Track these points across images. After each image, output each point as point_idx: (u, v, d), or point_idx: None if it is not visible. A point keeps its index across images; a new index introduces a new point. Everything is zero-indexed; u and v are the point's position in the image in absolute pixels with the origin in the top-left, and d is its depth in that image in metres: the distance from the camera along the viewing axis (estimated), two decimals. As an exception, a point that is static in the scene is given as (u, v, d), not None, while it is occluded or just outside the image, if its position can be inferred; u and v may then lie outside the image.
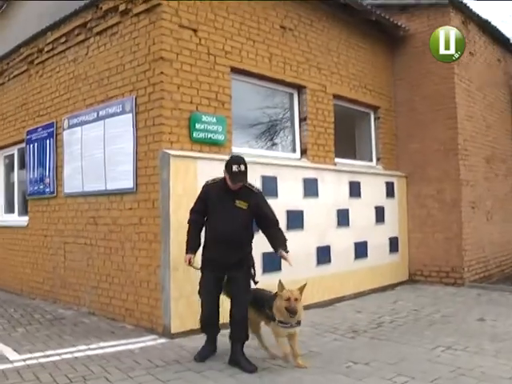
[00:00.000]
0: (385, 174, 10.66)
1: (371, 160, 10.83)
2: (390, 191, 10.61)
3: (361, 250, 9.67)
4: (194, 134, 7.09)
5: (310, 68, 9.12)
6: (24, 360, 5.72)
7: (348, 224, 9.42)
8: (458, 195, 10.29)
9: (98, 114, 7.98)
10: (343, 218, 9.32)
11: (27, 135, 10.03)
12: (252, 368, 5.34)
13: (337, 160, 9.60)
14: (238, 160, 5.49)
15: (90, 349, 6.15)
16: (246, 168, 5.43)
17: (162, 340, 6.54)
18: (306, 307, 8.01)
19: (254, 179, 7.43)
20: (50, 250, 9.28)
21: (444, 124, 10.43)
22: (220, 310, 5.75)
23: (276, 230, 5.69)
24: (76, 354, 5.94)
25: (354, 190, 9.66)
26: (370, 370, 5.35)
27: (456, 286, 10.10)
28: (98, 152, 7.93)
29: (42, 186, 9.55)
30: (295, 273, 7.77)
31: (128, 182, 7.36)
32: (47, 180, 9.37)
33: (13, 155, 11.23)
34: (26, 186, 10.16)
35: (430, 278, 10.60)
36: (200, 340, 5.97)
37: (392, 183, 10.70)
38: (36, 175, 9.75)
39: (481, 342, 6.24)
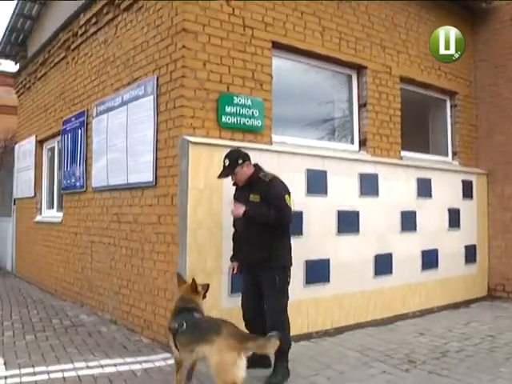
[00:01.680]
0: (462, 170, 9.16)
1: (446, 155, 9.36)
2: (467, 191, 9.12)
3: (430, 259, 8.26)
4: (223, 119, 6.03)
5: (372, 45, 7.81)
6: (5, 377, 5.00)
7: (415, 229, 8.06)
8: (547, 197, 8.71)
9: (122, 99, 7.13)
10: (409, 221, 7.96)
11: (63, 125, 9.35)
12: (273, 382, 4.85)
13: (404, 154, 8.25)
14: (226, 153, 5.22)
15: (87, 367, 5.37)
16: (230, 162, 5.11)
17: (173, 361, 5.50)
18: (360, 325, 6.96)
19: (298, 173, 6.51)
20: (80, 249, 8.55)
21: (534, 112, 8.87)
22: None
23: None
24: (67, 374, 5.16)
25: (424, 188, 8.26)
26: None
27: (545, 306, 8.52)
28: (121, 141, 7.06)
29: (73, 180, 8.78)
30: (347, 285, 6.64)
31: (148, 175, 6.40)
32: (78, 173, 8.59)
33: (54, 148, 10.55)
34: (61, 180, 9.44)
35: (514, 294, 9.06)
36: None
37: (470, 182, 9.20)
38: (69, 168, 9.00)
39: None
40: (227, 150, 5.77)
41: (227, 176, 5.21)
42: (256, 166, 5.24)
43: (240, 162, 5.10)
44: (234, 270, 5.37)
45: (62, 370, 5.19)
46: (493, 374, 5.15)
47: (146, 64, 6.58)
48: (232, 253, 5.41)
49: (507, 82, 9.17)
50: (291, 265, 5.18)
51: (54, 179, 10.47)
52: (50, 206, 10.69)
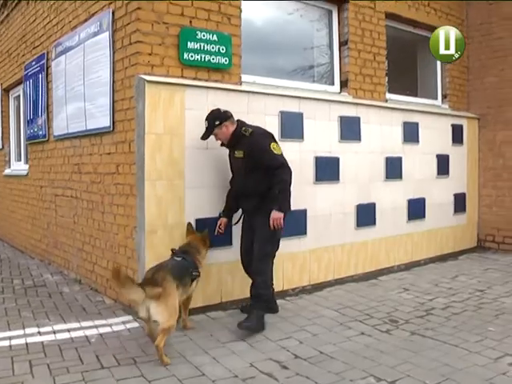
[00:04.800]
0: (451, 114, 8.56)
1: (435, 98, 8.75)
2: (457, 136, 8.54)
3: (416, 209, 7.75)
4: (185, 56, 5.39)
5: (354, -23, 7.10)
6: None
7: (400, 176, 7.52)
8: (542, 142, 8.17)
9: (79, 38, 6.45)
10: (394, 168, 7.41)
11: (25, 71, 8.66)
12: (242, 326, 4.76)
13: (389, 96, 7.66)
14: (207, 114, 5.14)
15: (38, 333, 4.85)
16: (208, 124, 5.06)
17: (135, 324, 5.08)
18: (341, 281, 6.51)
19: (271, 116, 5.94)
20: (45, 204, 8.01)
21: (530, 51, 8.25)
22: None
23: (273, 182, 4.92)
24: (15, 342, 4.62)
25: (410, 133, 7.68)
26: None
27: (536, 258, 8.09)
28: (79, 84, 6.42)
29: (36, 129, 8.17)
30: (326, 238, 6.14)
31: (105, 120, 5.81)
32: (40, 121, 7.97)
33: (19, 96, 9.85)
34: (25, 130, 8.81)
35: (504, 245, 8.60)
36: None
37: (460, 126, 8.62)
38: (32, 116, 8.36)
39: None
40: (190, 91, 5.37)
41: (207, 138, 5.12)
42: (238, 121, 5.13)
43: (217, 123, 5.02)
44: (220, 225, 5.33)
45: (10, 338, 4.69)
46: (480, 335, 4.69)
47: (102, -4, 5.91)
48: (223, 209, 5.37)
49: (501, 20, 8.52)
50: (290, 211, 5.10)
51: (21, 130, 9.79)
52: (19, 158, 10.08)
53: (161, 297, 4.15)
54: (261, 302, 4.98)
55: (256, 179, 4.96)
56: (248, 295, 5.09)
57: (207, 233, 5.12)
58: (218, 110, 5.11)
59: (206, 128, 5.05)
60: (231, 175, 5.34)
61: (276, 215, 4.84)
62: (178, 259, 4.67)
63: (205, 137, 5.08)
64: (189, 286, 4.66)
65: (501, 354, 4.25)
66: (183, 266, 4.61)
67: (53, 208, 7.62)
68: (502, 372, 3.90)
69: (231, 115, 5.09)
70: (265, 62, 6.62)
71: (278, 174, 4.86)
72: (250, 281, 5.11)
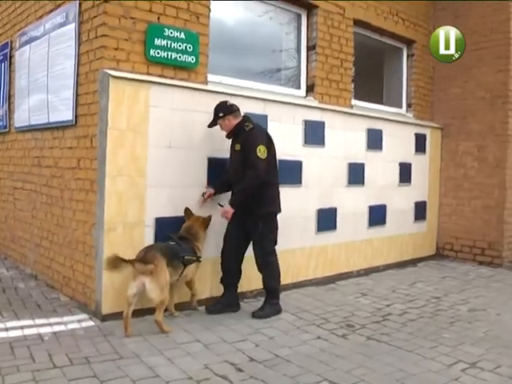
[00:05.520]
0: (415, 123, 8.67)
1: (400, 106, 8.86)
2: (420, 145, 8.66)
3: (377, 215, 7.82)
4: (152, 52, 5.32)
5: (325, -17, 7.13)
6: None
7: (362, 182, 7.58)
8: (503, 154, 8.33)
9: (44, 28, 6.32)
10: (357, 174, 7.47)
11: (-13, 60, 8.40)
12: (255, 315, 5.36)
13: (354, 102, 7.71)
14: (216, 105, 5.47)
15: None
16: (214, 114, 5.39)
17: (90, 323, 4.97)
18: (299, 285, 6.52)
19: None
20: (3, 196, 7.80)
21: (492, 65, 8.40)
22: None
23: (241, 180, 5.24)
24: None
25: (374, 140, 7.75)
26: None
27: (492, 267, 8.23)
28: (42, 76, 6.28)
29: (-4, 120, 7.95)
30: (285, 241, 6.15)
31: (68, 113, 5.69)
32: (0, 112, 7.76)
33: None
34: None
35: (462, 254, 8.77)
36: (140, 325, 4.86)
37: (423, 136, 8.74)
38: (-7, 107, 8.14)
39: (521, 357, 4.44)
40: (156, 88, 5.32)
41: (211, 126, 5.43)
42: (244, 116, 5.44)
43: (221, 115, 5.33)
44: (205, 194, 5.58)
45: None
46: (435, 341, 4.75)
47: (70, -13, 5.79)
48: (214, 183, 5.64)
49: (467, 32, 8.53)
50: (278, 212, 5.54)
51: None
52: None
53: (153, 273, 4.56)
54: (272, 293, 5.50)
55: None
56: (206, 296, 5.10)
57: (210, 217, 5.46)
58: (226, 102, 5.43)
59: (213, 118, 5.37)
60: (228, 166, 5.61)
61: (226, 209, 5.30)
62: (172, 244, 5.01)
63: (210, 125, 5.43)
64: (180, 269, 4.98)
65: (454, 360, 4.31)
66: (173, 250, 4.93)
67: (11, 201, 7.44)
68: (455, 378, 3.95)
69: (237, 109, 5.40)
70: (233, 63, 6.59)
71: (247, 175, 5.16)
72: (211, 282, 5.34)
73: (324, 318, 5.40)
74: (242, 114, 5.46)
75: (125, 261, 4.51)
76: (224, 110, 5.32)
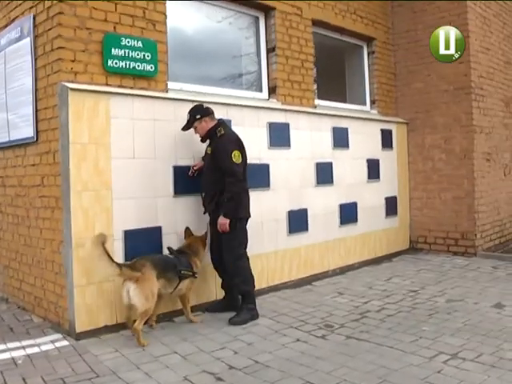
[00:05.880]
0: (380, 119, 8.73)
1: (364, 103, 8.90)
2: (386, 141, 8.71)
3: (348, 213, 7.82)
4: (109, 63, 5.23)
5: (281, -15, 7.11)
6: None
7: (331, 181, 7.57)
8: (469, 145, 8.43)
9: (-1, 44, 6.15)
10: (325, 173, 7.45)
11: None
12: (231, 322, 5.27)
13: (318, 102, 7.71)
14: (190, 108, 5.55)
15: None
16: (190, 117, 5.45)
17: (64, 342, 4.83)
18: (275, 288, 6.47)
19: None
20: (-31, 219, 7.56)
21: (453, 57, 8.44)
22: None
23: (225, 189, 5.28)
24: None
25: (340, 138, 7.75)
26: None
27: (467, 256, 8.31)
28: (0, 93, 6.11)
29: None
30: (258, 245, 6.11)
31: (28, 130, 5.56)
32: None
33: None
34: None
35: (436, 246, 8.83)
36: (115, 340, 4.75)
37: (389, 131, 8.79)
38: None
39: (500, 345, 4.44)
40: (115, 99, 5.23)
41: (186, 129, 5.47)
42: (219, 121, 5.51)
43: (198, 117, 5.39)
44: (195, 167, 5.68)
45: None
46: (415, 335, 4.75)
47: (23, 1, 5.66)
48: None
49: (426, 27, 8.70)
50: (247, 216, 5.53)
51: None
52: None
53: (139, 280, 4.56)
54: (246, 298, 5.44)
55: (215, 178, 5.30)
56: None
57: (205, 234, 5.56)
58: (201, 105, 5.53)
59: (188, 121, 5.41)
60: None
61: (222, 221, 5.25)
62: (169, 256, 5.13)
63: (185, 128, 5.45)
64: (175, 282, 4.98)
65: (435, 352, 4.30)
66: (170, 262, 5.01)
67: (-24, 224, 7.26)
68: (437, 370, 3.94)
69: (212, 112, 5.49)
70: (195, 70, 6.53)
71: (228, 183, 5.21)
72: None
73: (302, 319, 5.36)
74: (217, 119, 5.55)
75: (113, 261, 4.54)
76: (201, 112, 5.41)
